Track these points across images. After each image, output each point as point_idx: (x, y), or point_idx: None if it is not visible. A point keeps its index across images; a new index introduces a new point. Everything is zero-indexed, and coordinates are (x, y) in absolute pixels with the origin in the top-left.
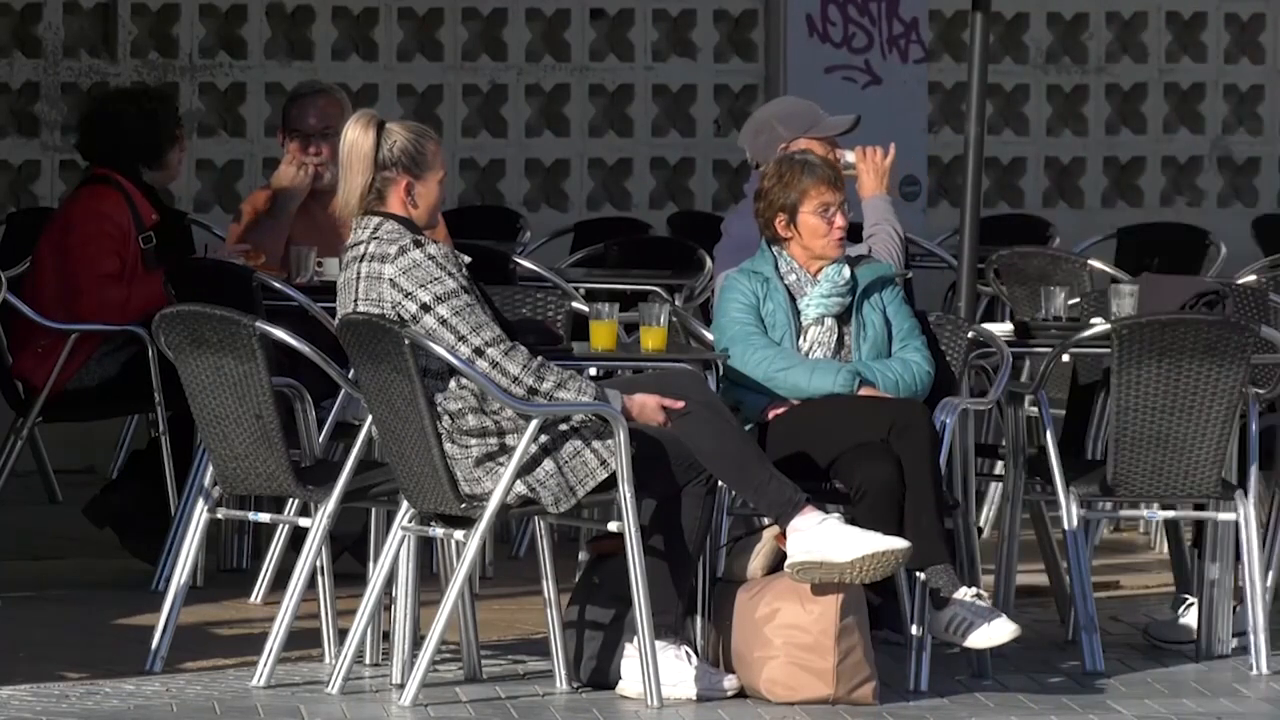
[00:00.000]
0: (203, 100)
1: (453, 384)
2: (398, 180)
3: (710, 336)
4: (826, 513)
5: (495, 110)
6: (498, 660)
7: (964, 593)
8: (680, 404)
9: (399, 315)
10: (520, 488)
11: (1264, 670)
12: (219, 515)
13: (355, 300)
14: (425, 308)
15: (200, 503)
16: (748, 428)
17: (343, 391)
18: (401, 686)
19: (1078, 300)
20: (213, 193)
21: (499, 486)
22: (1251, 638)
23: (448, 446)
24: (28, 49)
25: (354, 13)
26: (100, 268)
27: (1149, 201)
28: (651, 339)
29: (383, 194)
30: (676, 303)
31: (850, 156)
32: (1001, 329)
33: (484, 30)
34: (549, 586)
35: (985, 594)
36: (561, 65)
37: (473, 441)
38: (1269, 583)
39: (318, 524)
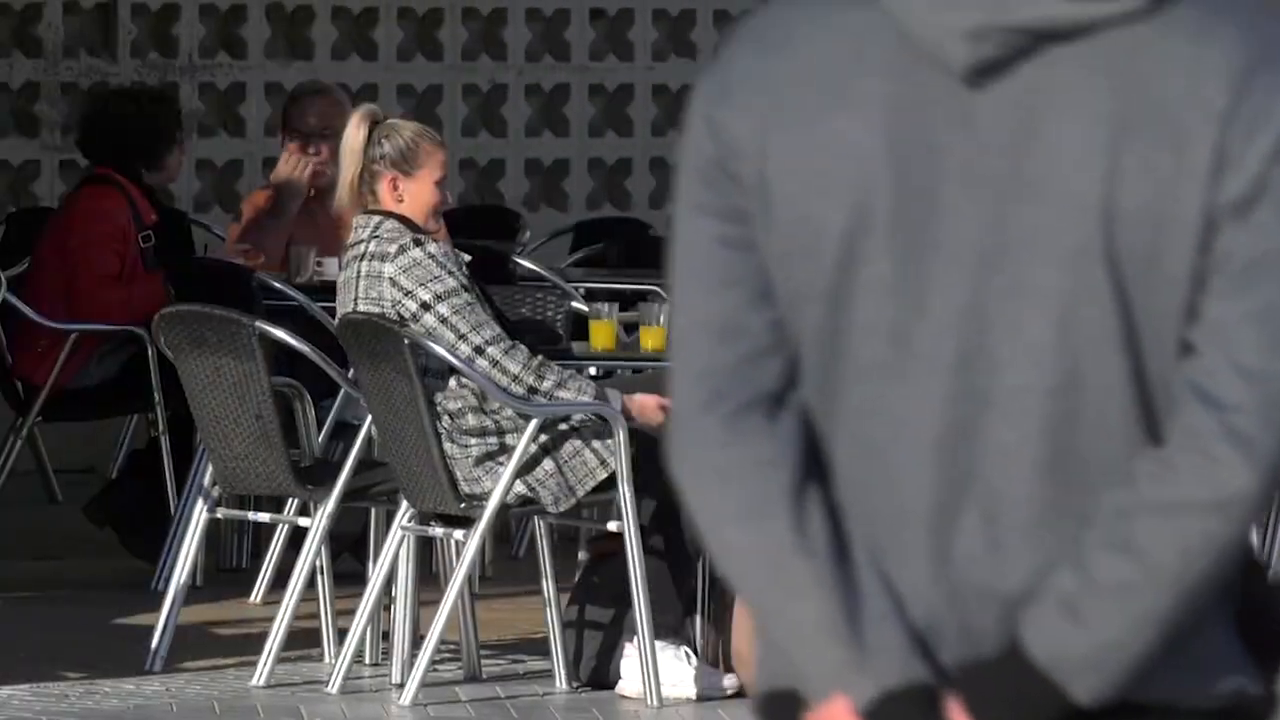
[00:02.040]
0: (203, 100)
1: (453, 383)
2: (384, 175)
3: None
4: None
5: (495, 110)
6: (497, 660)
7: None
8: None
9: (399, 314)
10: (520, 487)
11: None
12: (219, 515)
13: (355, 299)
14: (425, 306)
15: (200, 502)
16: None
17: (343, 391)
18: (401, 686)
19: None
20: (213, 193)
21: (499, 486)
22: None
23: (447, 446)
24: (28, 49)
25: (354, 13)
26: (101, 268)
27: None
28: (651, 339)
29: (374, 189)
30: None
31: None
32: None
33: (484, 30)
34: (549, 586)
35: None
36: (561, 65)
37: (472, 441)
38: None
39: (317, 524)
